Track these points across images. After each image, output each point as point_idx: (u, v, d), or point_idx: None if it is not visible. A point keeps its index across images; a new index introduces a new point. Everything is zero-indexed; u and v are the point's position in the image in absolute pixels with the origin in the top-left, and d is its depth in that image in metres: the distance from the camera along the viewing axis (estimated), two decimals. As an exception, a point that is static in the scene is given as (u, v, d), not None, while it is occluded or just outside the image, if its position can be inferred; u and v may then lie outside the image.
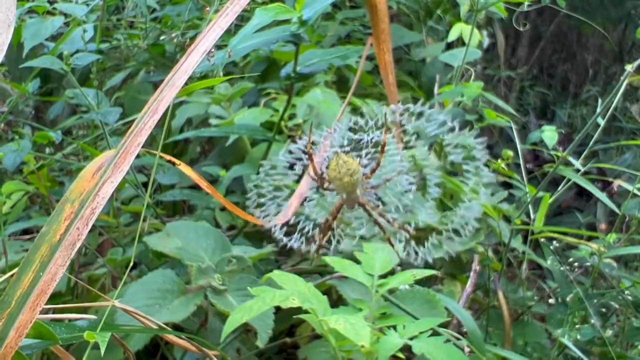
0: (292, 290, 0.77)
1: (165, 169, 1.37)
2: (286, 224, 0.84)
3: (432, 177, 0.85)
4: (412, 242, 0.83)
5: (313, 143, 0.78)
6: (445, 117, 0.78)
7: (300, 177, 0.84)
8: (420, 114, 0.79)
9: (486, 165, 0.82)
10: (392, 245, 0.73)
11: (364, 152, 0.77)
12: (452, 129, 0.77)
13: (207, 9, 0.89)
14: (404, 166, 0.76)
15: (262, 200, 0.84)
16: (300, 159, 0.80)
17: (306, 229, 0.80)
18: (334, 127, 0.81)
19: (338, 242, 0.79)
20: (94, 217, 0.55)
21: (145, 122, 0.58)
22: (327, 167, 0.75)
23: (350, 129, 0.79)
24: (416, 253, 0.83)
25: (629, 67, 1.03)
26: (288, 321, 1.12)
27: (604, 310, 1.15)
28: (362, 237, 0.84)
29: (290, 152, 0.83)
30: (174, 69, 0.62)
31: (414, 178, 0.78)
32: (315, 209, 0.82)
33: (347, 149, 0.76)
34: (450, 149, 0.82)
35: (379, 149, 0.74)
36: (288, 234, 0.84)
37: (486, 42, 2.11)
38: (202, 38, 0.63)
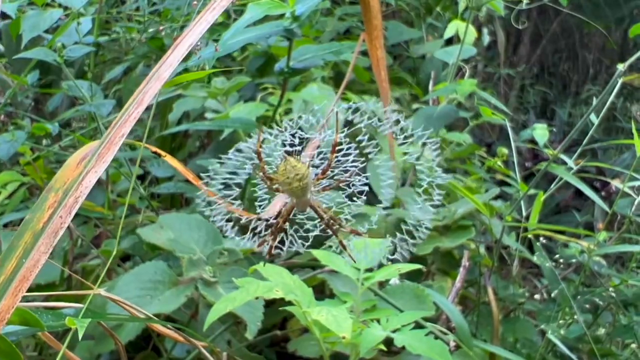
0: (277, 282, 0.78)
1: (160, 162, 1.38)
2: (238, 222, 0.81)
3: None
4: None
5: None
6: (398, 115, 0.77)
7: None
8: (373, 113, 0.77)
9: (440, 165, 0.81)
10: (345, 248, 0.72)
11: (315, 152, 0.75)
12: (404, 128, 0.75)
13: (195, 2, 0.90)
14: (356, 166, 0.73)
15: (211, 198, 0.82)
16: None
17: (258, 229, 0.77)
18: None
19: (292, 243, 0.77)
20: (77, 206, 0.56)
21: (130, 113, 0.59)
22: (276, 171, 0.72)
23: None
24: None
25: (621, 66, 1.03)
26: (279, 315, 1.12)
27: (591, 307, 1.15)
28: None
29: (240, 151, 0.81)
30: (160, 62, 0.63)
31: (366, 179, 0.75)
32: (266, 209, 0.80)
33: (299, 148, 0.74)
34: (403, 148, 0.81)
35: (330, 149, 0.71)
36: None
37: (487, 39, 2.12)
38: (189, 31, 0.64)
